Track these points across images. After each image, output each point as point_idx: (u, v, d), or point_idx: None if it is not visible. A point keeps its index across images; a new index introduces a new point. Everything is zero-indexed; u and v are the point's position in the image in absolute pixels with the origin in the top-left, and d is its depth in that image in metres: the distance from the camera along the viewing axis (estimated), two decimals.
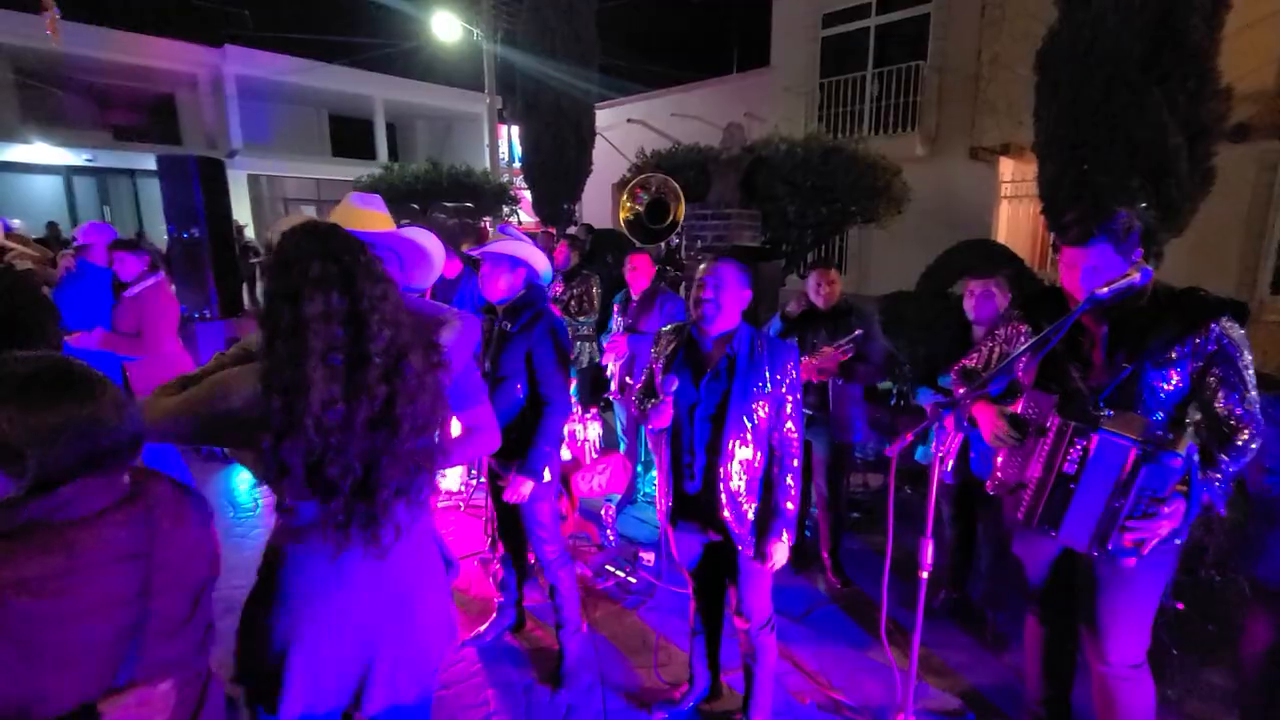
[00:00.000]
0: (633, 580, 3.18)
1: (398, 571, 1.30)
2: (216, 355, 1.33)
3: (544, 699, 2.41)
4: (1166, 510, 1.57)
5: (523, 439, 2.28)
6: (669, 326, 2.17)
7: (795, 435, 1.99)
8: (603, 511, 3.62)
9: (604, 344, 3.82)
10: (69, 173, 14.62)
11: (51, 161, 14.12)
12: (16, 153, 13.54)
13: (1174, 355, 1.63)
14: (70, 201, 14.62)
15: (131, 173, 15.16)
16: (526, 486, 2.27)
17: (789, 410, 1.98)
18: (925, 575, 1.98)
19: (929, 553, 1.97)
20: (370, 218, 1.51)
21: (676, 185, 4.73)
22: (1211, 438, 1.63)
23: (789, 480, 1.98)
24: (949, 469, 2.72)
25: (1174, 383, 1.65)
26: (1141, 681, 1.81)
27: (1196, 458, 1.58)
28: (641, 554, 3.38)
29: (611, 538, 3.55)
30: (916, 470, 3.28)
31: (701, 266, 2.01)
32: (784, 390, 1.96)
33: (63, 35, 6.44)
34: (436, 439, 1.28)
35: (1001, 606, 2.80)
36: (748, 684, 2.20)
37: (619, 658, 2.65)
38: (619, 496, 3.84)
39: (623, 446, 4.05)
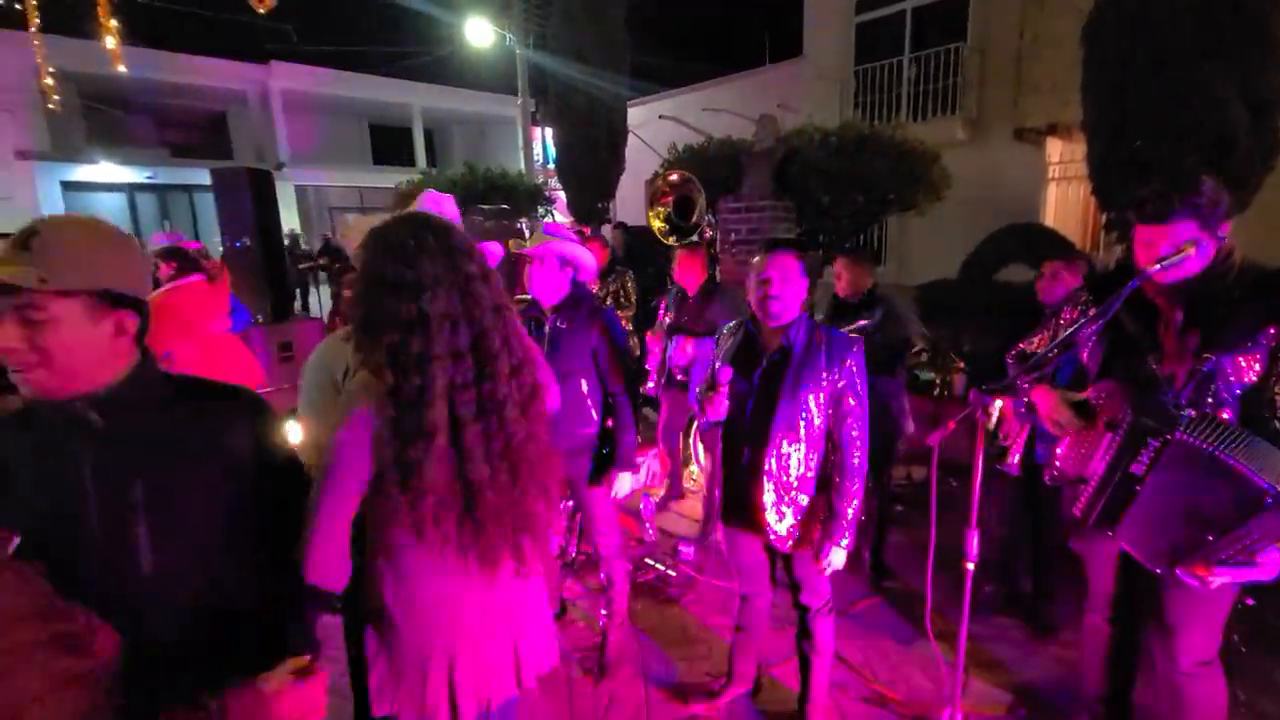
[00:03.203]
0: (672, 574, 3.19)
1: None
2: None
3: (586, 689, 2.45)
4: (1260, 559, 1.43)
5: (602, 436, 2.33)
6: (731, 324, 2.12)
7: (857, 435, 1.89)
8: (641, 506, 3.64)
9: (647, 339, 3.79)
10: (132, 190, 15.45)
11: (116, 180, 14.95)
12: (84, 172, 14.40)
13: (1260, 341, 1.49)
14: (134, 217, 15.43)
15: (188, 188, 15.92)
16: (627, 480, 2.32)
17: (849, 408, 1.89)
18: (971, 567, 1.94)
19: (974, 544, 1.93)
20: None
21: (691, 175, 4.71)
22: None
23: (850, 484, 1.89)
24: (1015, 461, 2.63)
25: (1255, 372, 1.51)
26: (1212, 680, 1.72)
27: None
28: (681, 548, 3.39)
29: (651, 531, 3.57)
30: (961, 463, 3.21)
31: (759, 259, 1.93)
32: (842, 386, 1.88)
33: (123, 59, 6.83)
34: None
35: (1051, 597, 2.74)
36: (805, 673, 2.16)
37: (659, 650, 2.67)
38: (659, 491, 3.86)
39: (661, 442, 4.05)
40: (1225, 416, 1.53)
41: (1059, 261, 2.59)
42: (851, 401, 1.89)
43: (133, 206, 15.51)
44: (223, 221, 5.16)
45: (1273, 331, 1.49)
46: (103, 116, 15.35)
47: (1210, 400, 1.55)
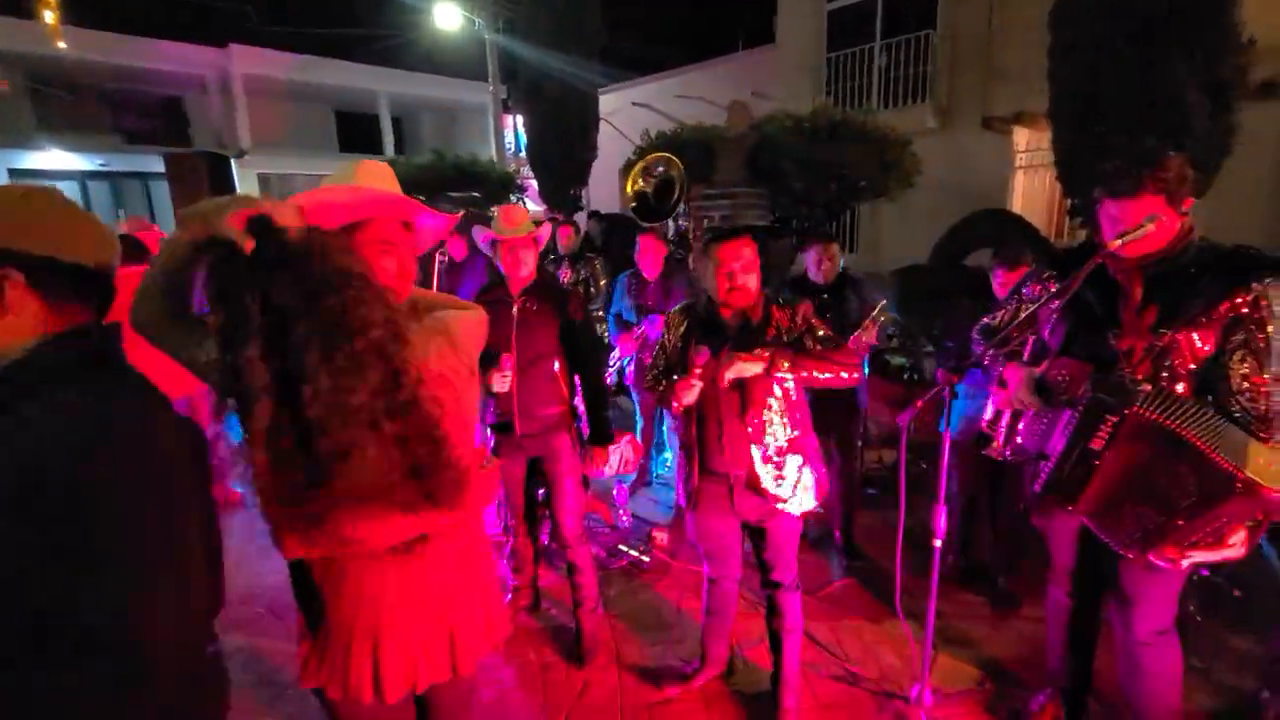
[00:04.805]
0: (646, 559, 3.18)
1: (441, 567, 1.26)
2: None
3: (560, 676, 2.43)
4: (1232, 541, 1.45)
5: (574, 416, 2.38)
6: (678, 307, 2.16)
7: (828, 336, 2.01)
8: (614, 492, 3.62)
9: (642, 326, 3.73)
10: (84, 178, 14.83)
11: (67, 167, 14.32)
12: (33, 160, 13.75)
13: (1214, 317, 1.51)
14: (87, 206, 14.82)
15: (144, 176, 15.33)
16: (605, 453, 2.38)
17: (813, 343, 1.97)
18: (939, 544, 1.96)
19: (942, 521, 1.94)
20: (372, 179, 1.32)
21: (681, 165, 4.69)
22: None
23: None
24: (1000, 447, 2.64)
25: (1206, 349, 1.54)
26: (1168, 648, 1.77)
27: None
28: (655, 533, 3.38)
29: (624, 518, 3.56)
30: (932, 443, 3.25)
31: (718, 249, 1.96)
32: (801, 334, 1.96)
33: (72, 41, 6.48)
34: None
35: (1014, 571, 2.80)
36: (776, 652, 2.18)
37: (633, 635, 2.66)
38: (631, 477, 3.84)
39: (639, 427, 4.03)
40: (1179, 389, 1.56)
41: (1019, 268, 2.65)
42: (810, 341, 1.97)
43: (85, 195, 14.89)
44: (177, 209, 4.97)
45: (1225, 308, 1.51)
46: (53, 101, 14.65)
47: (1165, 375, 1.57)
